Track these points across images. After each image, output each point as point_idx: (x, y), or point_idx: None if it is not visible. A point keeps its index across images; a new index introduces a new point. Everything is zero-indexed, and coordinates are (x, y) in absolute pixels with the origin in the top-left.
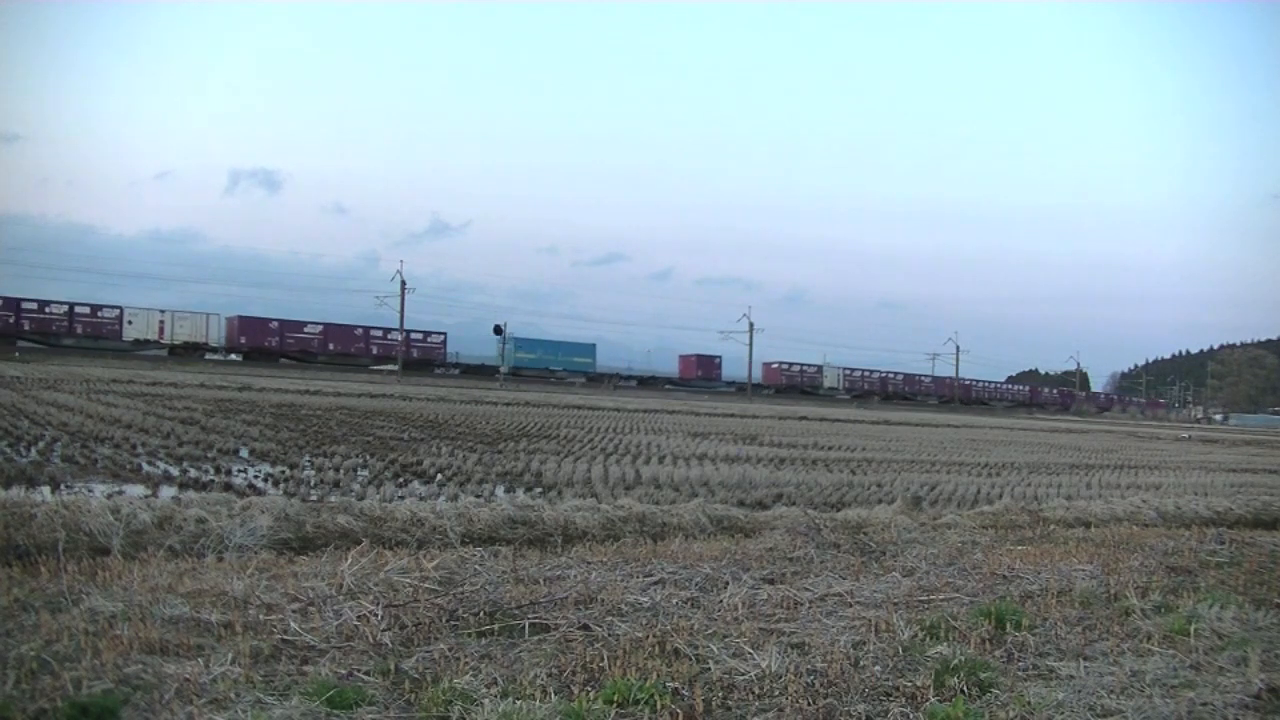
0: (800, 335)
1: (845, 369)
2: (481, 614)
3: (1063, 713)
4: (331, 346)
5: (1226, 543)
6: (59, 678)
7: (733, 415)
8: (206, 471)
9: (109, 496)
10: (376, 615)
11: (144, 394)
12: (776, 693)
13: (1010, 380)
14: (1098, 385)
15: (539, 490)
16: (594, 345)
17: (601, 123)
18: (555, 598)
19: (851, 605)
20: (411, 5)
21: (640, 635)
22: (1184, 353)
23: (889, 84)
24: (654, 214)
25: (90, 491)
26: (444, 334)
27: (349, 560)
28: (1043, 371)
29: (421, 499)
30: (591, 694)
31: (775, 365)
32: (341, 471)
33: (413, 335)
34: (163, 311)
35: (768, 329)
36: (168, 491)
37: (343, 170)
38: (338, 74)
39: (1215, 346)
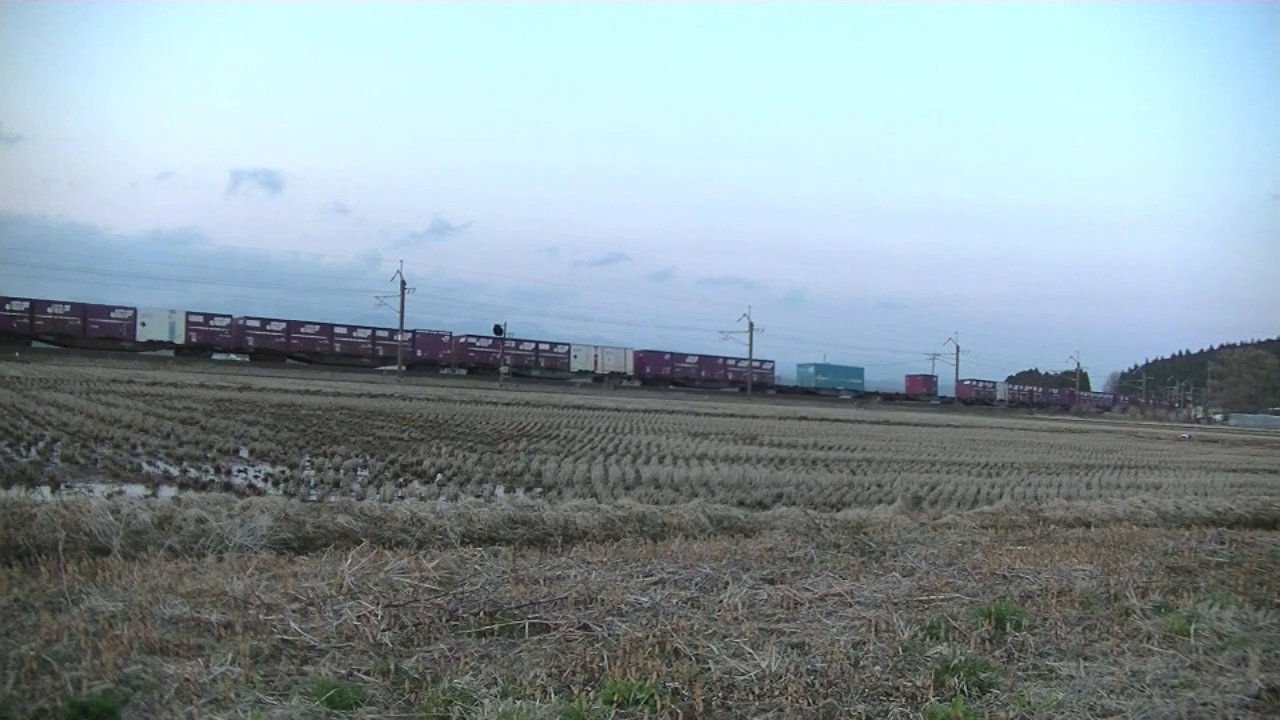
0: (800, 335)
1: (1009, 385)
2: (481, 614)
3: (1063, 713)
4: (703, 373)
5: (1226, 543)
6: (59, 678)
7: (733, 415)
8: (206, 471)
9: (109, 496)
10: (376, 615)
11: (144, 394)
12: (776, 693)
13: (1010, 380)
14: (1098, 385)
15: (539, 490)
16: (863, 369)
17: (602, 123)
18: (555, 598)
19: (851, 605)
20: (412, 5)
21: (640, 635)
22: (1184, 353)
23: (889, 84)
24: (654, 214)
25: (90, 491)
26: (773, 361)
27: (349, 560)
28: (1043, 371)
29: (421, 499)
30: (591, 694)
31: (966, 382)
32: (341, 471)
33: (748, 361)
34: (597, 347)
35: (768, 329)
36: (168, 491)
37: (344, 170)
38: (339, 74)
39: (1215, 346)
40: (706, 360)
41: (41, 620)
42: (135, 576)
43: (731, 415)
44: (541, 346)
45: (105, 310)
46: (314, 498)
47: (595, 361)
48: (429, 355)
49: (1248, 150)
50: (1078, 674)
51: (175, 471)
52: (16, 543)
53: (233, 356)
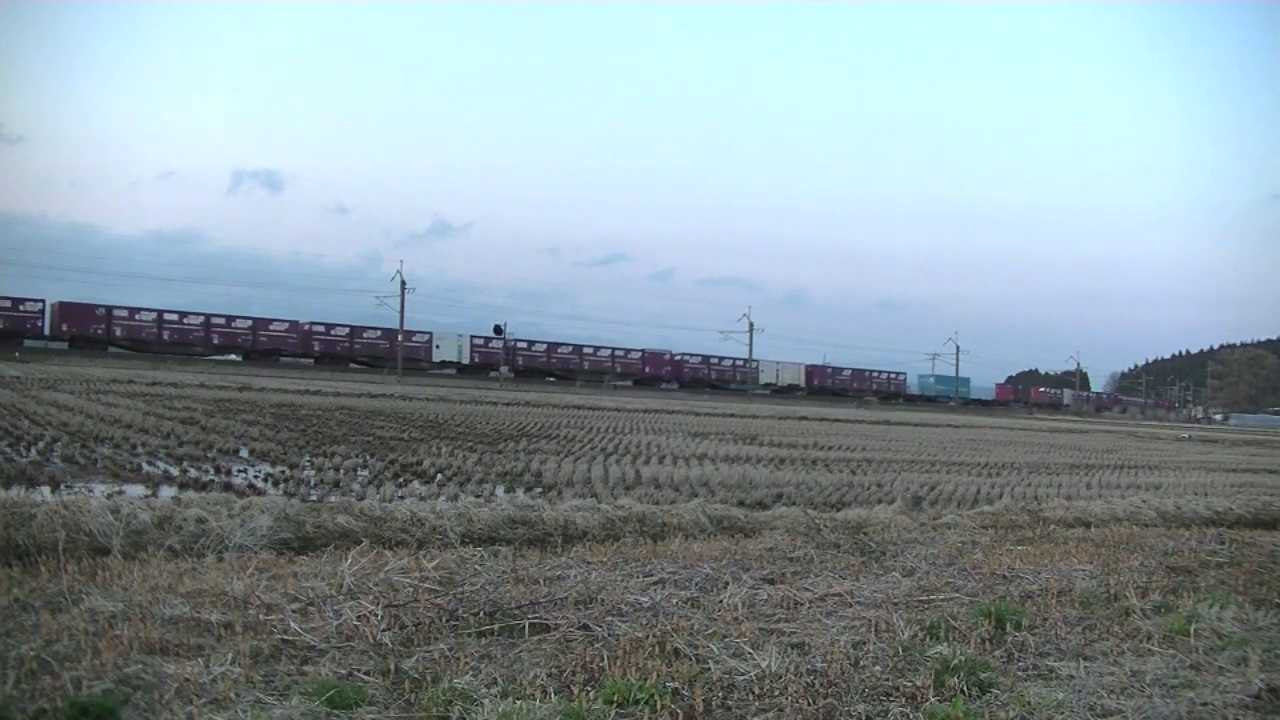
0: (800, 335)
1: (1074, 392)
2: (481, 614)
3: (1063, 713)
4: (855, 384)
5: (1226, 543)
6: (59, 678)
7: (732, 415)
8: (206, 471)
9: (109, 496)
10: (376, 615)
11: (144, 394)
12: (776, 693)
13: (1010, 379)
14: (1098, 385)
15: (539, 490)
16: (969, 379)
17: (602, 123)
18: (555, 598)
19: (851, 605)
20: (412, 5)
21: (640, 635)
22: (1184, 353)
23: (889, 84)
24: (654, 214)
25: (90, 491)
26: (904, 373)
27: (349, 560)
28: (1043, 371)
29: (421, 499)
30: (591, 694)
31: (1041, 390)
32: (341, 471)
33: (887, 373)
34: (778, 363)
35: (768, 329)
36: (168, 491)
37: (345, 170)
38: (339, 74)
39: (1215, 346)
40: (857, 373)
41: (41, 620)
42: (135, 576)
43: (731, 415)
44: (737, 362)
45: (408, 335)
46: (314, 498)
47: (776, 375)
48: (654, 372)
49: (1249, 151)
50: (1078, 674)
51: (175, 471)
52: (16, 543)
53: (503, 371)
